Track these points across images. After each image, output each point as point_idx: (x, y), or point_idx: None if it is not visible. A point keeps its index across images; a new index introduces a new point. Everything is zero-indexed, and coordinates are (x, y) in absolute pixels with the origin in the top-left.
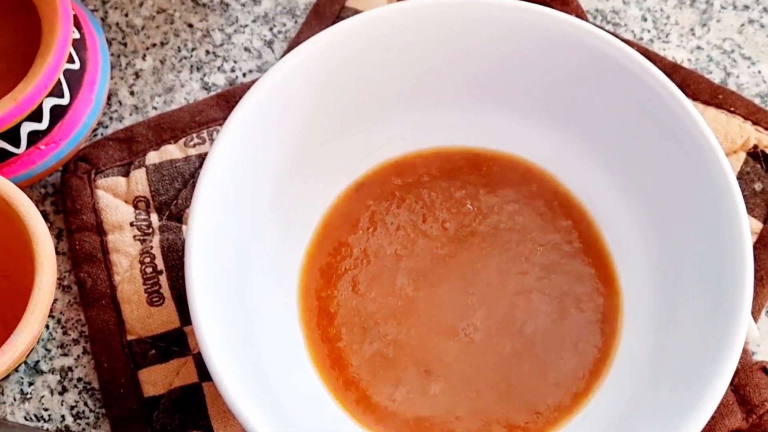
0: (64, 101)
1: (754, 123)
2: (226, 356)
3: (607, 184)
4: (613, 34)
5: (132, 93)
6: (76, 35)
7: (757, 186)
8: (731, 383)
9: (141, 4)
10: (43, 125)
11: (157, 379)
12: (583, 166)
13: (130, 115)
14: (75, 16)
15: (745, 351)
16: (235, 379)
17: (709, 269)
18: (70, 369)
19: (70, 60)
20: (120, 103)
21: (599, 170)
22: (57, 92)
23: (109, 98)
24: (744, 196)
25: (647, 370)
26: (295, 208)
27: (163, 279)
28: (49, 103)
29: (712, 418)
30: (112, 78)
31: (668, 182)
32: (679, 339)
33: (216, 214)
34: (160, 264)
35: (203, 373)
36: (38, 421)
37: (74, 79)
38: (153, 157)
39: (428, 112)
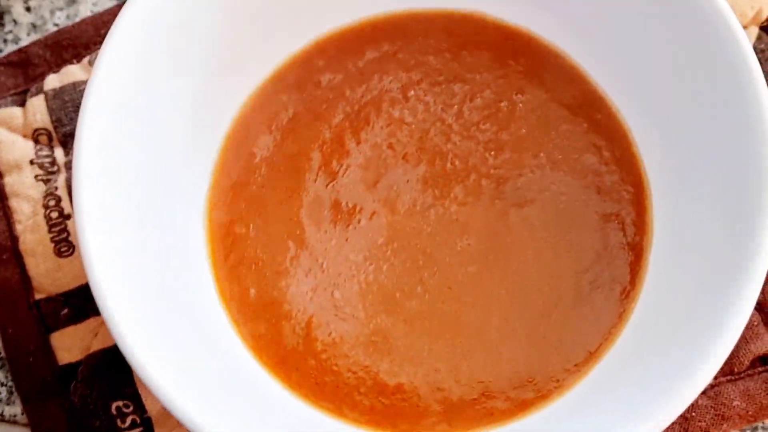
0: None
1: None
2: (131, 315)
3: (597, 70)
4: None
5: (28, 9)
6: None
7: None
8: (756, 302)
9: None
10: None
11: (72, 344)
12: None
13: (28, 35)
14: None
15: None
16: (144, 343)
17: (725, 166)
18: None
19: None
20: (15, 21)
21: (586, 58)
22: None
23: (1, 17)
24: None
25: (651, 301)
26: (205, 114)
27: (71, 224)
28: None
29: (735, 344)
30: None
31: (668, 63)
32: (689, 257)
33: (109, 137)
34: (67, 207)
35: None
36: None
37: None
38: (53, 81)
39: None
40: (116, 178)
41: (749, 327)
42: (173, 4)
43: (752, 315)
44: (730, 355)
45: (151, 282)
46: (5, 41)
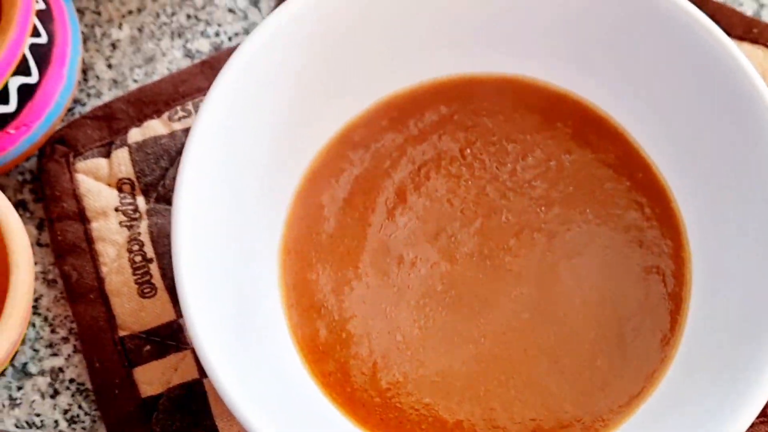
0: (32, 79)
1: None
2: (221, 353)
3: (639, 133)
4: None
5: (110, 66)
6: (41, 6)
7: None
8: None
9: None
10: (10, 107)
11: (154, 378)
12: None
13: (109, 90)
14: None
15: None
16: (232, 377)
17: (756, 224)
18: (60, 370)
19: (36, 33)
20: (97, 77)
21: (629, 121)
22: (23, 70)
23: (85, 73)
24: None
25: (690, 349)
26: (279, 170)
27: (153, 268)
28: (15, 83)
29: None
30: (87, 51)
31: (703, 128)
32: (726, 307)
33: (202, 194)
34: (149, 251)
35: (203, 368)
36: (30, 428)
37: (42, 55)
38: (135, 135)
39: (434, 62)
40: (206, 231)
41: None
42: (258, 76)
43: None
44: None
45: (234, 325)
46: (88, 95)
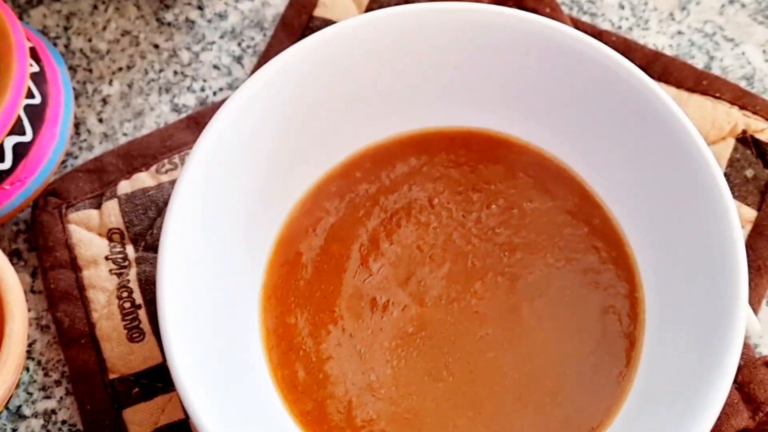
0: (27, 138)
1: (741, 107)
2: (203, 395)
3: (595, 182)
4: (590, 25)
5: (100, 120)
6: (35, 68)
7: (749, 172)
8: (735, 381)
9: (104, 28)
10: (5, 165)
11: (142, 418)
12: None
13: (100, 143)
14: (32, 49)
15: (747, 346)
16: (215, 418)
17: (703, 267)
18: (53, 412)
19: (30, 95)
20: (89, 131)
21: (586, 172)
22: (18, 130)
23: (77, 127)
24: (736, 184)
25: (644, 383)
26: (260, 219)
27: (142, 314)
28: (10, 142)
29: (718, 419)
30: (79, 106)
31: (653, 178)
32: (676, 344)
33: (186, 244)
34: (138, 298)
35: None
36: None
37: (36, 114)
38: (125, 187)
39: (404, 117)
40: (189, 279)
41: (731, 405)
42: (241, 132)
43: (734, 395)
44: (715, 430)
45: (217, 367)
46: (80, 148)
